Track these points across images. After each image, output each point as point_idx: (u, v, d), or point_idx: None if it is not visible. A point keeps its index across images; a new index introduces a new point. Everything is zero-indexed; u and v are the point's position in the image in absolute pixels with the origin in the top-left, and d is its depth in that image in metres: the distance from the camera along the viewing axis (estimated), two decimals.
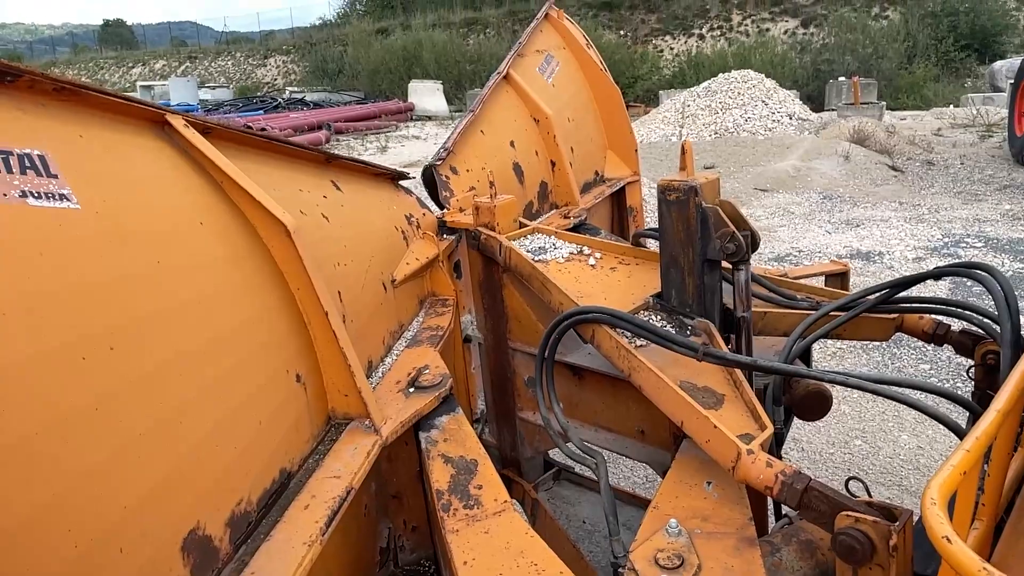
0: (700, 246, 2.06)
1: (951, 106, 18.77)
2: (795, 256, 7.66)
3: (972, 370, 2.13)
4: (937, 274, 2.04)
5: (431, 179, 2.95)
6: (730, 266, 2.10)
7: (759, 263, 6.99)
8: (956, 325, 2.19)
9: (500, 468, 2.91)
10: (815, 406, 2.14)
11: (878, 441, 3.92)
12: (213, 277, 1.48)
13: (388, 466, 2.03)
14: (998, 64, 22.07)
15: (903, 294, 2.16)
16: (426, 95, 27.92)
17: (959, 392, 1.76)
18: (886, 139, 12.98)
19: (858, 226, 8.63)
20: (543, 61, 3.88)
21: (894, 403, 4.14)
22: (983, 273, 1.88)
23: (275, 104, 28.59)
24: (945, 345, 2.21)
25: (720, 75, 18.46)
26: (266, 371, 1.54)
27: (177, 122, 1.60)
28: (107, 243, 1.23)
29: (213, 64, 49.53)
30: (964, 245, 7.64)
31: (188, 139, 1.59)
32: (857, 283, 5.38)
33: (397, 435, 1.75)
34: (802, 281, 2.64)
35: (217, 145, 1.69)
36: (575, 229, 3.33)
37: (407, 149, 18.82)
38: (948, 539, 0.85)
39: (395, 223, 2.46)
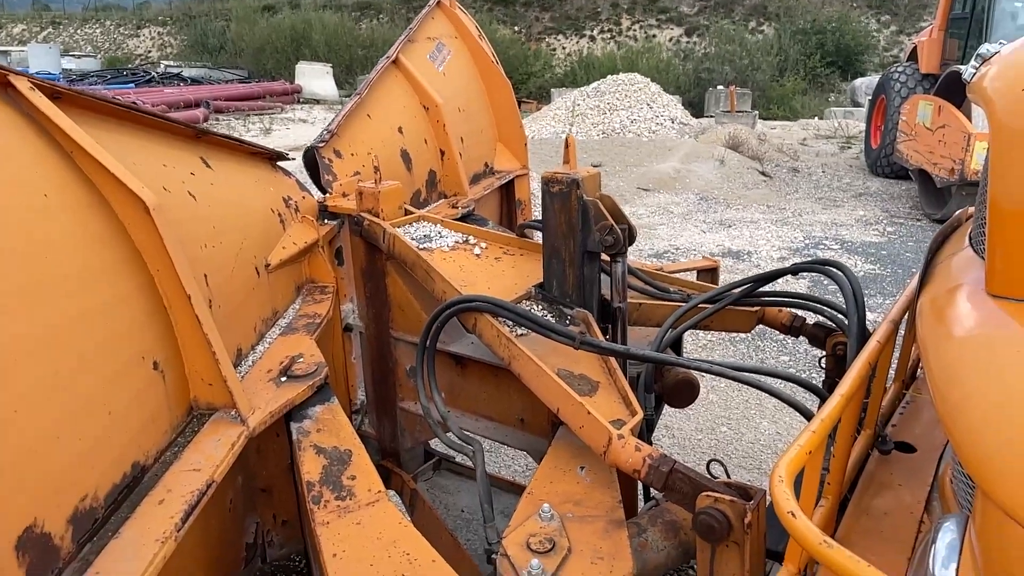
0: (581, 238, 2.11)
1: (816, 118, 20.18)
2: (673, 253, 8.01)
3: (823, 360, 2.30)
4: (795, 270, 2.19)
5: (313, 161, 2.85)
6: (608, 258, 2.16)
7: (639, 259, 7.25)
8: (812, 319, 2.36)
9: (379, 459, 2.86)
10: (684, 393, 2.24)
11: (741, 428, 4.17)
12: (59, 257, 1.35)
13: (256, 458, 1.94)
14: (859, 81, 23.96)
15: (765, 289, 2.30)
16: (315, 78, 26.97)
17: (811, 380, 1.89)
18: (758, 146, 13.78)
19: (730, 226, 9.13)
20: (434, 48, 3.83)
21: (757, 392, 4.40)
22: (835, 270, 2.02)
23: (148, 78, 26.75)
24: (801, 337, 2.37)
25: (609, 76, 18.97)
26: (119, 359, 1.43)
27: (21, 84, 1.46)
28: None
29: (79, 31, 45.69)
30: (823, 247, 8.24)
31: (34, 103, 1.45)
32: (727, 280, 5.69)
33: (266, 426, 1.68)
34: (676, 276, 2.76)
35: (69, 112, 1.55)
36: (463, 219, 3.31)
37: (292, 132, 18.14)
38: (793, 514, 0.91)
39: (271, 205, 2.36)
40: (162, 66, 32.45)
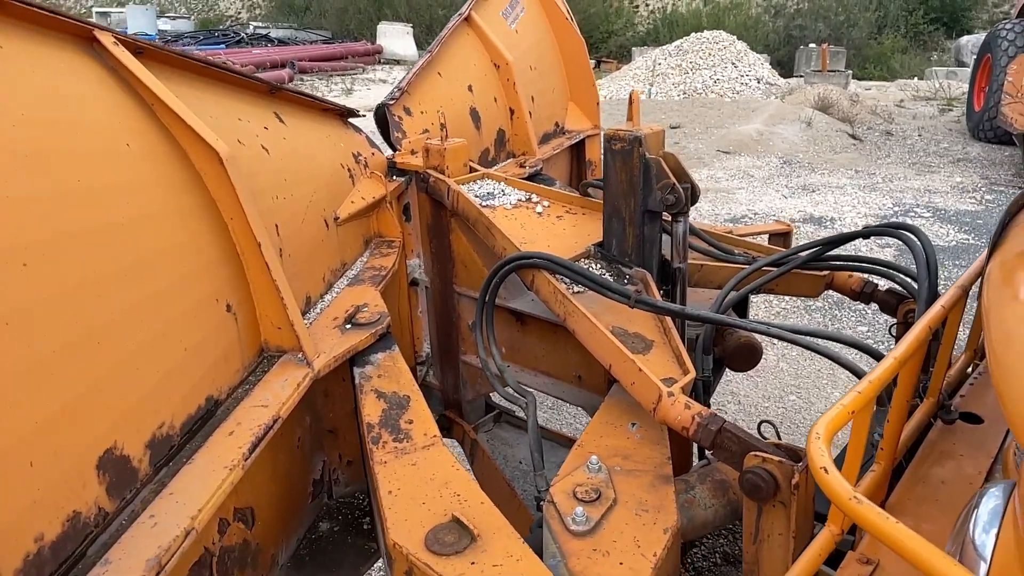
0: (641, 197, 2.09)
1: (916, 78, 18.99)
2: (751, 218, 7.78)
3: (894, 328, 2.22)
4: (866, 233, 2.11)
5: (383, 119, 2.91)
6: (670, 218, 2.14)
7: (716, 224, 7.09)
8: (884, 284, 2.28)
9: (442, 410, 2.96)
10: (745, 357, 2.21)
11: (811, 397, 4.08)
12: (137, 200, 1.45)
13: (324, 401, 2.04)
14: (964, 39, 22.32)
15: (835, 253, 2.23)
16: (395, 38, 27.17)
17: (876, 347, 1.84)
18: (849, 107, 13.11)
19: (814, 191, 8.78)
20: (508, 6, 3.80)
21: (830, 363, 4.30)
22: (908, 234, 1.94)
23: (238, 39, 27.55)
24: (872, 304, 2.30)
25: (692, 35, 18.35)
26: (193, 298, 1.53)
27: (106, 39, 1.55)
28: (22, 159, 1.20)
29: None
30: (913, 215, 7.83)
31: (117, 58, 1.54)
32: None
33: (330, 368, 1.77)
34: (748, 239, 2.71)
35: (151, 67, 1.64)
36: (530, 179, 3.32)
37: (372, 93, 18.41)
38: (825, 469, 0.91)
39: (341, 160, 2.43)
40: (251, 27, 33.33)
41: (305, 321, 1.98)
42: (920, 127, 12.43)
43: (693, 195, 2.10)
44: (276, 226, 1.88)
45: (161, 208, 1.50)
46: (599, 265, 2.24)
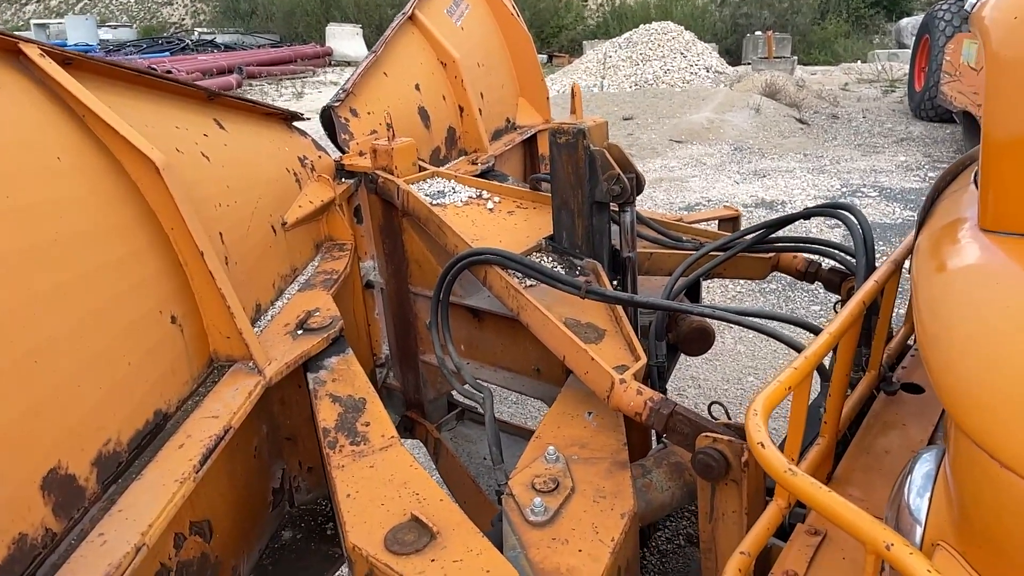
0: (588, 188, 2.11)
1: (859, 62, 19.44)
2: (705, 205, 7.90)
3: (838, 305, 2.28)
4: (807, 214, 2.16)
5: (330, 121, 2.88)
6: (617, 208, 2.16)
7: (669, 212, 7.17)
8: (828, 264, 2.34)
9: (405, 411, 2.95)
10: (698, 341, 2.25)
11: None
12: (71, 215, 1.42)
13: (280, 408, 2.02)
14: (904, 21, 22.96)
15: (779, 235, 2.28)
16: (345, 39, 26.87)
17: (815, 323, 1.89)
18: (795, 93, 13.38)
19: (765, 176, 8.95)
20: (452, 3, 3.79)
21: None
22: (845, 213, 2.00)
23: (182, 45, 26.98)
24: (816, 282, 2.36)
25: (641, 26, 18.51)
26: (136, 312, 1.51)
27: (32, 51, 1.51)
28: None
29: (115, 1, 46.16)
30: (860, 195, 8.04)
31: (44, 70, 1.51)
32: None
33: (282, 375, 1.75)
34: (698, 225, 2.75)
35: (81, 78, 1.61)
36: (482, 175, 3.33)
37: (324, 95, 18.18)
38: (762, 444, 0.93)
39: (287, 165, 2.41)
40: (196, 33, 32.67)
41: (256, 329, 1.96)
42: (864, 109, 12.75)
43: (638, 185, 2.13)
44: (220, 234, 1.85)
45: (97, 222, 1.47)
46: (550, 258, 2.26)
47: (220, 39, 29.41)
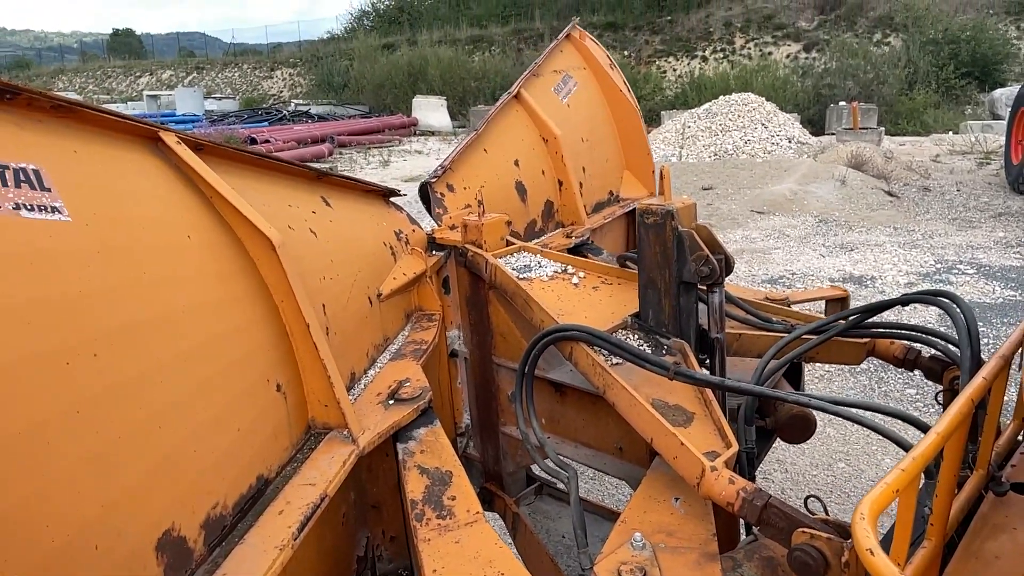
0: (676, 268, 2.13)
1: (950, 133, 18.91)
2: (788, 278, 7.72)
3: (940, 395, 2.19)
4: (904, 301, 2.10)
5: (427, 194, 3.02)
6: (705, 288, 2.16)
7: (753, 285, 7.05)
8: (927, 351, 2.25)
9: (483, 482, 2.95)
10: (799, 428, 2.20)
11: (861, 464, 3.97)
12: (197, 289, 1.54)
13: (368, 476, 2.07)
14: (998, 92, 22.25)
15: (876, 319, 2.22)
16: (430, 110, 28.12)
17: (920, 418, 1.81)
18: (883, 164, 13.08)
19: (852, 250, 8.70)
20: (560, 81, 3.90)
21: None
22: (947, 301, 1.93)
23: (280, 116, 28.82)
24: (916, 370, 2.27)
25: (721, 97, 18.62)
26: (246, 380, 1.60)
27: (170, 139, 1.67)
28: (95, 254, 1.29)
29: (220, 75, 49.94)
30: (956, 271, 7.70)
31: (180, 155, 1.66)
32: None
33: (374, 445, 1.80)
34: (803, 305, 2.70)
35: (209, 161, 1.76)
36: (576, 248, 3.38)
37: (408, 164, 18.96)
38: (871, 551, 0.91)
39: (384, 239, 2.53)
40: (292, 104, 34.88)
41: (350, 397, 2.04)
42: (958, 182, 12.32)
43: (727, 266, 2.13)
44: (323, 305, 1.96)
45: (217, 295, 1.58)
46: (637, 336, 2.26)
47: (314, 110, 31.27)
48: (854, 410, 1.67)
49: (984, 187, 11.84)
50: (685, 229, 2.09)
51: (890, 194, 11.55)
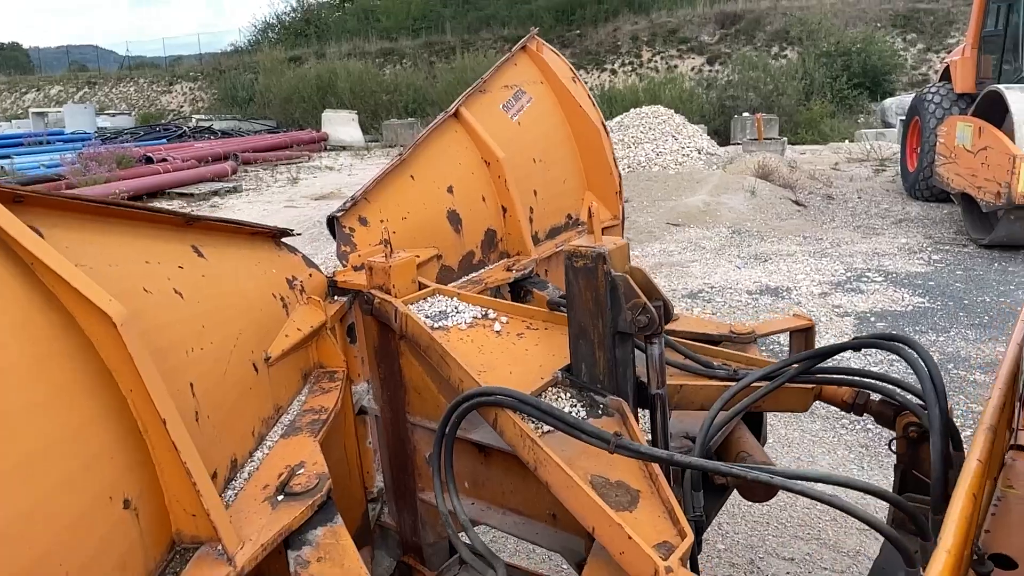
0: (610, 317, 1.88)
1: (846, 141, 19.76)
2: (707, 292, 7.71)
3: (894, 443, 2.03)
4: (856, 345, 1.94)
5: (334, 230, 2.67)
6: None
7: (674, 300, 6.97)
8: (876, 396, 2.09)
9: (400, 554, 2.63)
10: (759, 489, 2.01)
11: (821, 536, 3.83)
12: (10, 388, 1.17)
13: None
14: (888, 101, 23.56)
15: (823, 364, 2.05)
16: (340, 125, 27.34)
17: (879, 486, 1.62)
18: (788, 174, 13.46)
19: (766, 260, 8.81)
20: (511, 97, 3.53)
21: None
22: (904, 347, 1.76)
23: (179, 132, 27.41)
24: (865, 415, 2.11)
25: (632, 110, 18.84)
26: (81, 502, 1.24)
27: None
28: None
29: (114, 90, 47.25)
30: (865, 279, 7.88)
31: None
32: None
33: (257, 560, 1.47)
34: (768, 337, 2.52)
35: (32, 216, 1.39)
36: (519, 281, 3.07)
37: (319, 180, 18.29)
38: None
39: (273, 289, 2.18)
40: (194, 120, 33.33)
41: (230, 491, 1.69)
42: (858, 189, 12.80)
43: (667, 313, 1.90)
44: (191, 384, 1.60)
45: (41, 394, 1.22)
46: (569, 394, 2.00)
47: (218, 125, 29.96)
48: (818, 486, 1.45)
49: (883, 194, 12.34)
50: (619, 274, 1.85)
51: (797, 203, 11.87)
